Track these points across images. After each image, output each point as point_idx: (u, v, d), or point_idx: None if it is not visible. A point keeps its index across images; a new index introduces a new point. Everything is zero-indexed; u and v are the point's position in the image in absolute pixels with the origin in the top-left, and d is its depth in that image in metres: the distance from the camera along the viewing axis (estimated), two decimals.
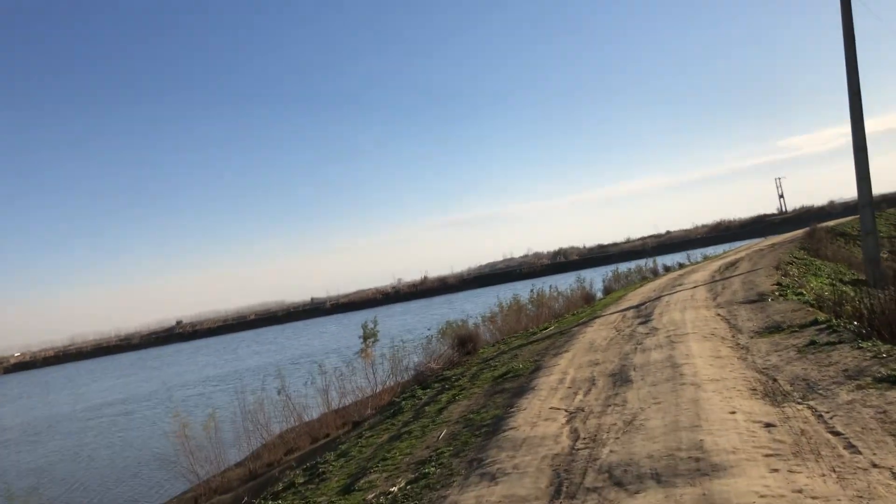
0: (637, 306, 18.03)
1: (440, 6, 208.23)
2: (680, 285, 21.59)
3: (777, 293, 14.56)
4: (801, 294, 14.47)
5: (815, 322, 10.26)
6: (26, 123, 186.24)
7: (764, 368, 8.41)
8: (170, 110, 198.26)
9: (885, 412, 5.84)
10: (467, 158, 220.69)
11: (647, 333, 12.66)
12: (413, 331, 41.48)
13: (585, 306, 25.31)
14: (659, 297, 18.83)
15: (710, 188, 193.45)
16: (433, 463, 7.72)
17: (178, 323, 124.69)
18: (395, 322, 63.74)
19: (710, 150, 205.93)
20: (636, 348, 11.36)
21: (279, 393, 18.83)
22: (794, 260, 23.79)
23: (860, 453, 5.04)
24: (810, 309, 11.94)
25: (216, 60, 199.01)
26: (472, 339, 18.55)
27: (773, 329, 10.71)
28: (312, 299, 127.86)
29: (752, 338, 10.50)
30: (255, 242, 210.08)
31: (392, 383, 19.11)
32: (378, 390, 18.83)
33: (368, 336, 20.48)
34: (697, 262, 37.57)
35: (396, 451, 9.30)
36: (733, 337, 10.83)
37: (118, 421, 33.09)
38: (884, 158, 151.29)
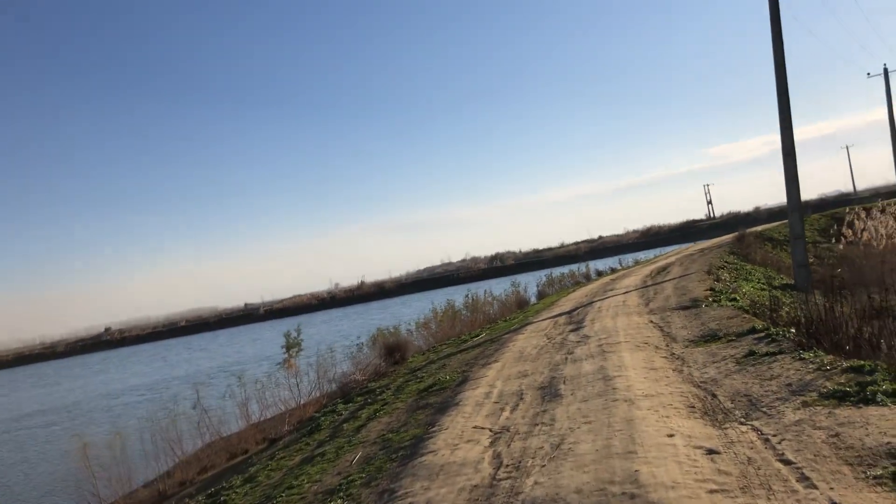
0: (569, 312, 17.44)
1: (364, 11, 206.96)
2: (612, 290, 21.12)
3: (710, 299, 14.10)
4: (735, 300, 14.04)
5: (753, 330, 9.71)
6: None
7: (702, 382, 7.78)
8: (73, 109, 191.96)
9: (836, 435, 5.20)
10: (406, 162, 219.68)
11: (579, 342, 11.99)
12: (348, 336, 40.47)
13: (518, 312, 24.70)
14: (591, 303, 18.28)
15: (641, 194, 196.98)
16: (341, 494, 6.84)
17: (107, 330, 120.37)
18: (330, 328, 62.43)
19: (642, 156, 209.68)
20: (567, 358, 10.67)
21: (194, 407, 17.67)
22: (725, 264, 23.61)
23: (816, 487, 4.35)
24: (746, 316, 11.45)
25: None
26: (400, 348, 17.70)
27: (709, 338, 10.14)
28: (246, 305, 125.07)
29: (687, 347, 9.91)
30: (186, 247, 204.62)
31: (317, 395, 18.10)
32: (302, 402, 17.79)
33: (292, 346, 19.43)
34: (629, 267, 37.44)
35: (305, 477, 8.38)
36: (667, 346, 10.23)
37: (36, 434, 31.02)
38: (814, 164, 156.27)
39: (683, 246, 54.87)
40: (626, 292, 19.19)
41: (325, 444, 10.37)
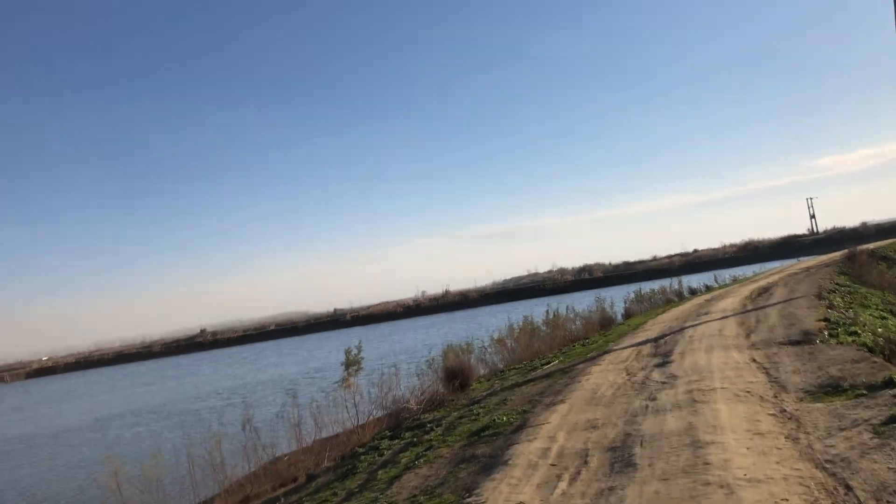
0: (656, 339, 15.25)
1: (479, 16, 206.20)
2: (706, 314, 18.72)
3: (826, 332, 11.71)
4: (856, 334, 11.60)
5: (892, 383, 7.46)
6: (43, 131, 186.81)
7: (827, 462, 5.66)
8: (199, 119, 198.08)
9: None
10: (497, 171, 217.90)
11: (664, 383, 9.90)
12: (421, 348, 38.98)
13: (600, 334, 22.48)
14: (682, 329, 16.01)
15: (739, 207, 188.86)
16: None
17: (202, 331, 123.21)
18: (415, 337, 61.31)
19: (740, 168, 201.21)
20: (647, 406, 8.62)
21: (243, 427, 16.35)
22: (837, 287, 20.79)
23: None
24: (877, 360, 9.10)
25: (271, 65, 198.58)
26: (462, 373, 15.88)
27: (831, 389, 7.91)
28: (335, 310, 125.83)
29: (802, 401, 7.72)
30: (280, 252, 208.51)
31: (378, 416, 16.48)
32: (359, 424, 16.21)
33: (351, 363, 17.88)
34: (726, 285, 34.52)
35: None
36: (776, 398, 8.05)
37: (122, 436, 30.52)
38: None
39: (785, 263, 51.10)
40: (724, 318, 16.81)
41: (354, 497, 8.68)
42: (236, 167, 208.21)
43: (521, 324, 27.55)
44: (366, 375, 24.56)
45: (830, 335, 11.46)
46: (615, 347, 15.44)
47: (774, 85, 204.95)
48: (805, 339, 11.40)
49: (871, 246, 40.11)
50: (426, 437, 10.82)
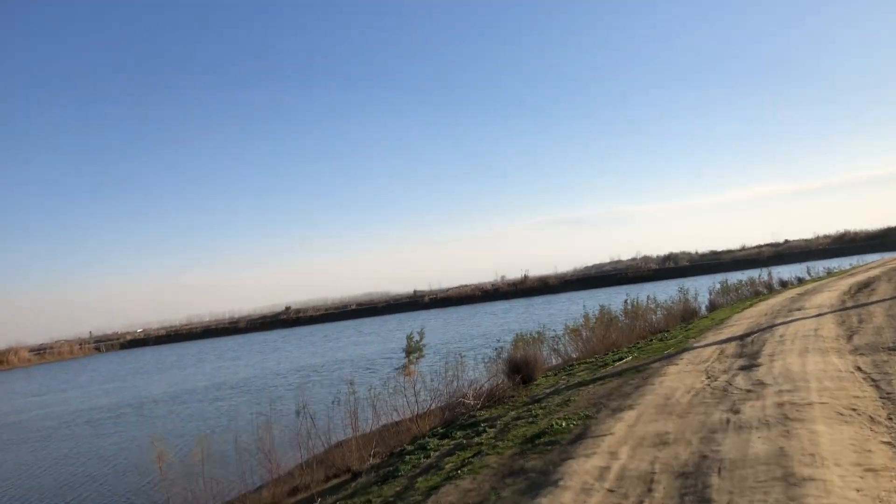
0: (742, 337, 13.66)
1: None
2: (799, 310, 16.91)
3: None
4: None
5: None
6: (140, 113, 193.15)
7: None
8: (278, 100, 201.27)
9: None
10: (582, 155, 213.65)
11: (750, 391, 8.47)
12: (506, 333, 37.88)
13: (681, 327, 20.83)
14: (771, 327, 14.34)
15: (834, 196, 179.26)
16: None
17: (287, 309, 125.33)
18: (491, 322, 60.24)
19: (837, 154, 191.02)
20: (729, 421, 7.25)
21: (298, 414, 15.61)
22: None
23: None
24: None
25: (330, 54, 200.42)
26: (527, 366, 14.68)
27: None
28: (415, 292, 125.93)
29: None
30: (368, 232, 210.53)
31: (435, 407, 15.48)
32: (416, 414, 15.24)
33: (412, 351, 16.98)
34: (820, 278, 32.01)
35: None
36: (891, 420, 6.57)
37: (198, 410, 30.45)
38: None
39: (885, 256, 47.53)
40: (819, 315, 15.02)
41: None
42: (327, 150, 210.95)
43: (597, 313, 26.17)
44: (431, 361, 23.65)
45: None
46: (696, 345, 13.92)
47: (873, 72, 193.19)
48: None
49: None
50: (477, 439, 9.69)
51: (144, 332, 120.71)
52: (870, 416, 6.72)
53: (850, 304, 16.28)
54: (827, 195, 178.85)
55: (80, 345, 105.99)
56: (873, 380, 8.12)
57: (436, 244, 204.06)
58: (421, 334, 16.45)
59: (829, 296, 19.19)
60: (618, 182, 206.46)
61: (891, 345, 10.09)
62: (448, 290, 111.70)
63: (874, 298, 16.51)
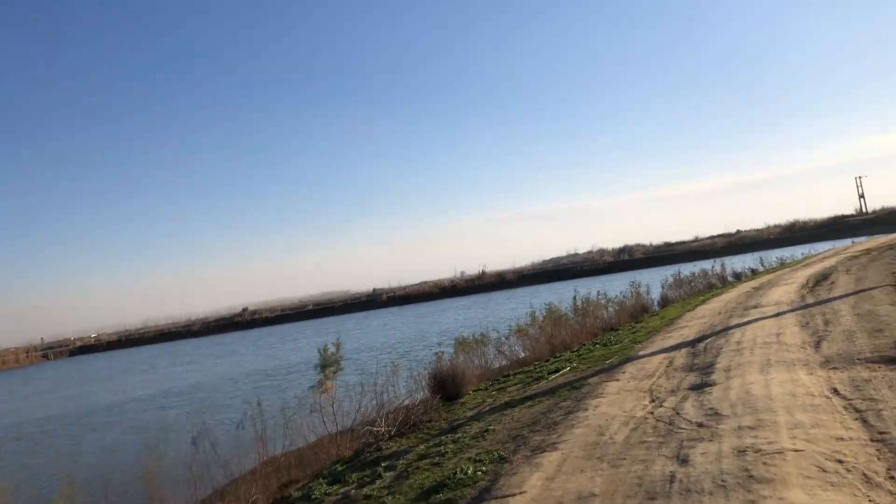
0: (693, 343, 11.77)
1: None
2: (756, 307, 15.13)
3: None
4: None
5: None
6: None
7: None
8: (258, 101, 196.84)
9: None
10: (538, 151, 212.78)
11: (702, 426, 6.50)
12: (452, 333, 36.13)
13: (631, 325, 19.00)
14: (726, 329, 12.48)
15: (783, 187, 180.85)
16: None
17: (245, 310, 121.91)
18: (445, 319, 58.34)
19: (785, 146, 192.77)
20: (674, 478, 5.24)
21: (194, 443, 13.35)
22: None
23: None
24: None
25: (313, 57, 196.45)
26: (454, 381, 12.64)
27: None
28: (374, 290, 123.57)
29: None
30: (328, 230, 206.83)
31: (348, 431, 13.34)
32: (325, 440, 13.10)
33: (328, 364, 14.79)
34: (774, 269, 30.55)
35: None
36: (893, 479, 4.64)
37: (141, 421, 27.90)
38: None
39: (837, 244, 46.51)
40: (779, 314, 13.21)
41: None
42: (284, 148, 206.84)
43: (544, 311, 24.38)
44: (368, 367, 21.37)
45: None
46: (641, 352, 11.99)
47: (822, 60, 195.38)
48: None
49: None
50: (366, 489, 7.60)
51: (96, 338, 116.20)
52: (863, 474, 4.77)
53: (810, 300, 14.52)
54: (776, 186, 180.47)
55: (28, 352, 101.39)
56: (857, 410, 6.20)
57: (396, 242, 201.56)
58: (337, 345, 14.29)
59: (786, 290, 17.46)
60: (575, 176, 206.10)
61: (868, 355, 8.23)
62: (406, 287, 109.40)
63: (836, 293, 14.78)
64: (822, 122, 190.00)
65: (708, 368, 9.17)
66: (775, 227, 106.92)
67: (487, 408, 10.59)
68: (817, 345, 9.40)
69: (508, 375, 14.43)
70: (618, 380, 9.80)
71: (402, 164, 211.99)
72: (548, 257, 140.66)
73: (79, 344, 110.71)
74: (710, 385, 8.14)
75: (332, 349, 15.02)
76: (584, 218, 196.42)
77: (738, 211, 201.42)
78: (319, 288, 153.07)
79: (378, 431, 10.48)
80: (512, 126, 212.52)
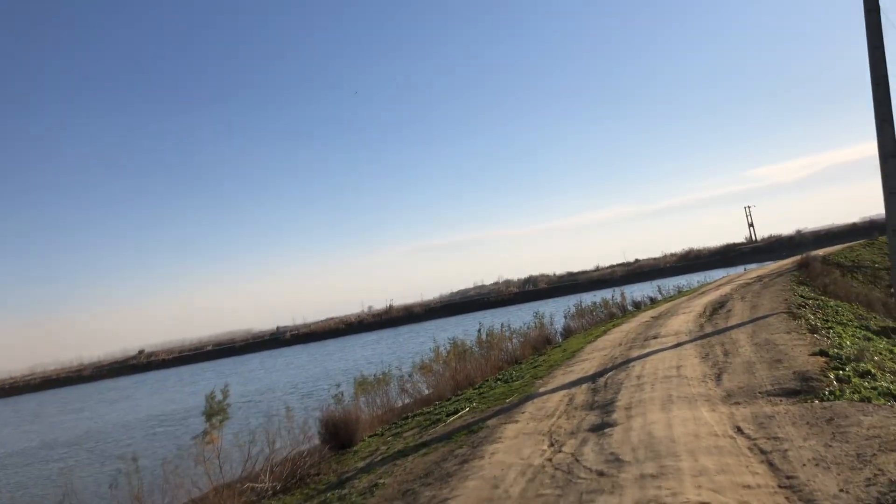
0: (593, 377, 11.37)
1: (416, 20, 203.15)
2: (655, 337, 14.97)
3: (832, 375, 7.97)
4: (872, 377, 7.89)
5: None
6: None
7: None
8: (145, 116, 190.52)
9: None
10: (441, 183, 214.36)
11: (602, 475, 5.95)
12: (352, 372, 35.19)
13: (531, 361, 18.62)
14: (627, 362, 12.16)
15: (678, 217, 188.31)
16: None
17: (141, 352, 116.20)
18: (357, 355, 57.06)
19: (680, 178, 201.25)
20: None
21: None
22: (804, 301, 17.28)
23: None
24: None
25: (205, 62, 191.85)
26: (346, 427, 11.80)
27: None
28: (277, 328, 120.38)
29: None
30: (228, 267, 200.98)
31: (230, 488, 12.25)
32: (223, 485, 11.97)
33: (213, 413, 13.65)
34: (672, 298, 31.05)
35: None
36: None
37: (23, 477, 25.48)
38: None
39: (730, 272, 48.17)
40: (678, 345, 13.02)
41: None
42: (173, 176, 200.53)
43: (448, 346, 23.89)
44: (259, 413, 20.18)
45: (839, 380, 7.72)
46: (542, 389, 11.50)
47: (713, 97, 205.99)
48: (806, 388, 7.62)
49: (821, 252, 37.27)
50: None
51: None
52: None
53: (709, 329, 14.45)
54: (669, 216, 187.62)
55: None
56: (762, 451, 5.79)
57: (299, 277, 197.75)
58: (224, 393, 13.18)
59: (684, 319, 17.47)
60: (481, 208, 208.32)
61: (769, 388, 7.95)
62: (311, 324, 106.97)
63: (732, 322, 14.79)
64: (712, 155, 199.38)
65: (608, 406, 8.72)
66: (671, 255, 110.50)
67: (380, 457, 9.82)
68: (718, 378, 9.11)
69: (408, 417, 13.68)
70: (517, 421, 9.24)
71: (306, 198, 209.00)
72: (455, 289, 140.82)
73: None
74: (611, 425, 7.66)
75: (218, 396, 13.93)
76: (490, 249, 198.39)
77: (635, 240, 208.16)
78: (220, 327, 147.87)
79: (261, 488, 9.53)
80: (418, 158, 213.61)
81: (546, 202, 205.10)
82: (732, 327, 13.82)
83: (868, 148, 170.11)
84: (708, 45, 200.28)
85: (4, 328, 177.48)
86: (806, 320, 13.12)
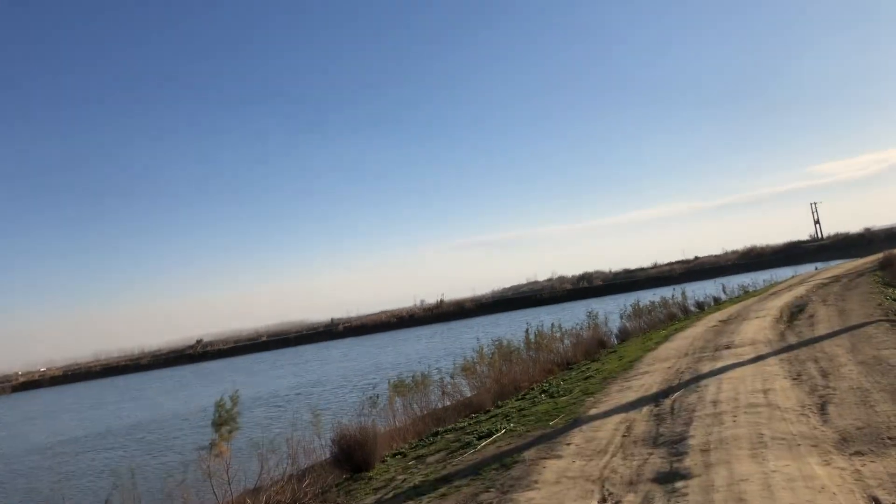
0: (656, 398, 9.32)
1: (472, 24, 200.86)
2: (728, 347, 12.78)
3: None
4: None
5: None
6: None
7: None
8: (196, 125, 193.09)
9: None
10: (499, 179, 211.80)
11: None
12: (399, 368, 33.76)
13: (581, 368, 16.57)
14: (697, 378, 10.06)
15: (739, 214, 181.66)
16: None
17: (198, 342, 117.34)
18: (411, 349, 55.73)
19: (741, 173, 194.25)
20: None
21: None
22: None
23: None
24: None
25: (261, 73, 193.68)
26: (362, 449, 10.00)
27: None
28: (332, 320, 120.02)
29: None
30: (282, 261, 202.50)
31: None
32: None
33: (223, 422, 12.03)
34: (739, 298, 28.46)
35: None
36: None
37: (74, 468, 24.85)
38: None
39: (799, 270, 44.99)
40: (758, 358, 10.84)
41: None
42: (234, 175, 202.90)
43: (494, 349, 22.02)
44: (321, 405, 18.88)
45: None
46: (593, 410, 9.50)
47: (777, 90, 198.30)
48: None
49: None
50: None
51: (42, 373, 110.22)
52: None
53: (792, 339, 12.20)
54: (729, 212, 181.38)
55: None
56: None
57: (356, 270, 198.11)
58: (234, 399, 11.53)
59: (759, 325, 15.18)
60: (534, 203, 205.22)
61: None
62: (363, 317, 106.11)
63: (821, 330, 12.50)
64: (773, 151, 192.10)
65: (678, 444, 6.71)
66: (733, 252, 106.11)
67: (392, 493, 7.98)
68: (822, 410, 6.99)
69: (437, 433, 11.85)
70: (560, 456, 7.30)
71: (362, 193, 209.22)
72: (508, 285, 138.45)
73: (22, 379, 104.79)
74: (684, 477, 5.66)
75: (228, 403, 12.33)
76: (544, 245, 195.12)
77: (695, 237, 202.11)
78: (277, 319, 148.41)
79: None
80: (471, 153, 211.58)
81: (602, 198, 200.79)
82: (823, 338, 11.56)
83: None
84: (769, 35, 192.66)
85: (71, 317, 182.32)
86: None
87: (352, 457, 9.97)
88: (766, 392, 8.17)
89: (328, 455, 11.41)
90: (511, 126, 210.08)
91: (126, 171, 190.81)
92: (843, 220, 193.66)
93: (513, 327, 26.06)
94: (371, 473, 9.69)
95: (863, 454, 5.48)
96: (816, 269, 43.14)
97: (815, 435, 6.17)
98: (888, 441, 5.67)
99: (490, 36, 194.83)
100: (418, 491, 7.64)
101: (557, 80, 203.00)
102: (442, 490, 7.32)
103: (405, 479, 8.53)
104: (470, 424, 11.83)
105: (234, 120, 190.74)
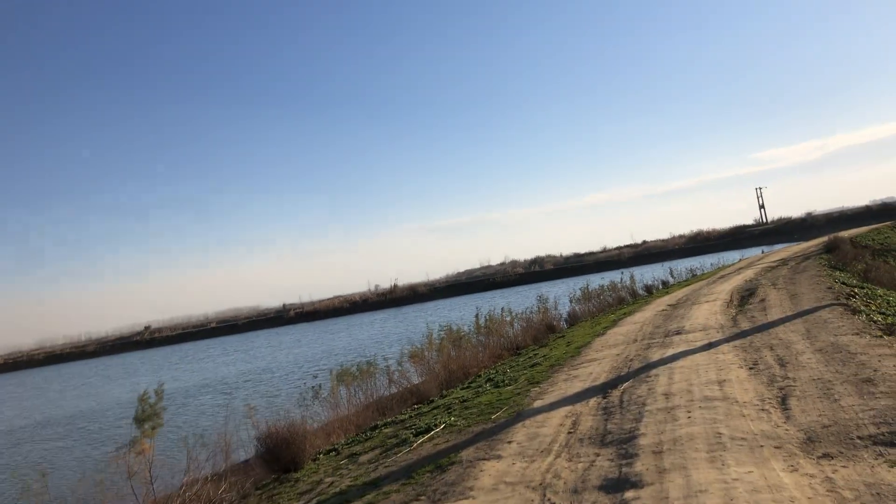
0: (604, 389, 8.65)
1: (420, 7, 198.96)
2: (679, 332, 12.23)
3: None
4: None
5: None
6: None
7: None
8: (155, 105, 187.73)
9: None
10: (450, 165, 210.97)
11: None
12: (342, 355, 33.01)
13: (528, 355, 15.92)
14: (647, 367, 9.43)
15: (686, 199, 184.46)
16: None
17: (146, 329, 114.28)
18: (367, 333, 54.83)
19: (688, 160, 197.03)
20: None
21: None
22: (850, 289, 14.48)
23: None
24: None
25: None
26: (290, 447, 9.14)
27: None
28: (284, 305, 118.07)
29: None
30: (237, 244, 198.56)
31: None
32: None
33: (145, 418, 11.05)
34: (687, 282, 28.22)
35: None
36: None
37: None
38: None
39: (745, 254, 45.24)
40: (711, 345, 10.27)
41: None
42: (181, 154, 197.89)
43: (441, 334, 21.47)
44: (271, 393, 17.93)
45: None
46: (538, 403, 8.79)
47: (722, 78, 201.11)
48: None
49: (846, 234, 34.30)
50: None
51: None
52: None
53: (745, 324, 11.68)
54: (676, 198, 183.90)
55: None
56: None
57: (308, 256, 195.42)
58: (158, 394, 10.61)
59: (710, 309, 14.69)
60: (487, 188, 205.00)
61: (872, 429, 5.22)
62: (316, 302, 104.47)
63: (773, 315, 12.01)
64: (727, 136, 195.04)
65: (628, 444, 6.02)
66: (680, 237, 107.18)
67: (315, 499, 7.16)
68: (783, 403, 6.37)
69: (377, 426, 11.06)
70: (500, 457, 6.56)
71: (314, 177, 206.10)
72: (461, 269, 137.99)
73: None
74: (634, 485, 4.96)
75: (151, 397, 11.34)
76: (497, 230, 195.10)
77: (643, 222, 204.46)
78: (226, 304, 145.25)
79: None
80: (425, 138, 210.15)
81: (552, 184, 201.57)
82: (777, 323, 11.05)
83: (877, 131, 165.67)
84: (715, 27, 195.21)
85: (13, 303, 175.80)
86: (868, 316, 10.36)
87: (279, 457, 9.11)
88: (721, 383, 7.54)
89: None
90: (464, 111, 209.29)
91: (65, 155, 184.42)
92: (785, 205, 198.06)
93: (465, 311, 25.43)
94: (299, 475, 8.83)
95: (832, 457, 4.84)
96: (763, 252, 43.40)
97: (779, 434, 5.52)
98: (858, 441, 5.05)
99: (444, 18, 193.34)
100: (344, 497, 6.84)
101: (509, 66, 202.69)
102: (369, 497, 6.53)
103: (332, 483, 7.71)
104: (410, 417, 11.05)
105: (167, 100, 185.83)
